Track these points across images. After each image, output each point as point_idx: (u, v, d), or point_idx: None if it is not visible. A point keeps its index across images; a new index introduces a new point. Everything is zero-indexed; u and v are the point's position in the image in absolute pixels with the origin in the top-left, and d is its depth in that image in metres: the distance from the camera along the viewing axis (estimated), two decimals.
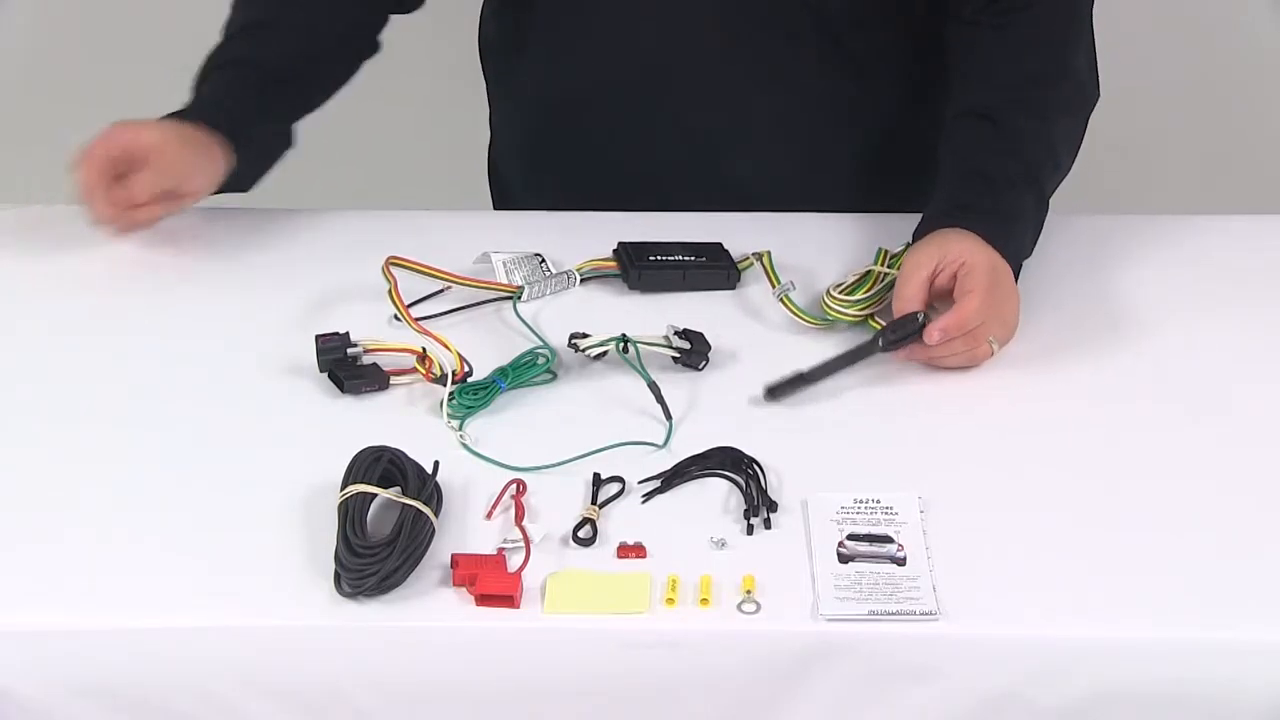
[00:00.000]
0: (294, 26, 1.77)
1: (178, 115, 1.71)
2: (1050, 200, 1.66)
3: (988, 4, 1.68)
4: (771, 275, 1.62)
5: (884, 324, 1.54)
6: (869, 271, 1.59)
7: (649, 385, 1.48)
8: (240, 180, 1.72)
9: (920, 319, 1.51)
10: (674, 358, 1.53)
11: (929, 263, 1.53)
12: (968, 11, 1.70)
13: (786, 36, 1.72)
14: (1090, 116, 1.71)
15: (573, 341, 1.52)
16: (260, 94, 1.74)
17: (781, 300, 1.59)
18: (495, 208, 1.97)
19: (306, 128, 3.26)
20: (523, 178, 1.92)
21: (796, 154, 1.78)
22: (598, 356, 1.52)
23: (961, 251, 1.53)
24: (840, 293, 1.58)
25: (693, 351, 1.53)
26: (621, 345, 1.51)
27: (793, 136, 1.78)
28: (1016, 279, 1.58)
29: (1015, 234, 1.60)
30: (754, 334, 1.59)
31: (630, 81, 1.76)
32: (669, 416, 1.46)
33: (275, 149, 1.77)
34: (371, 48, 1.85)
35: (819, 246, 1.70)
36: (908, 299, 1.53)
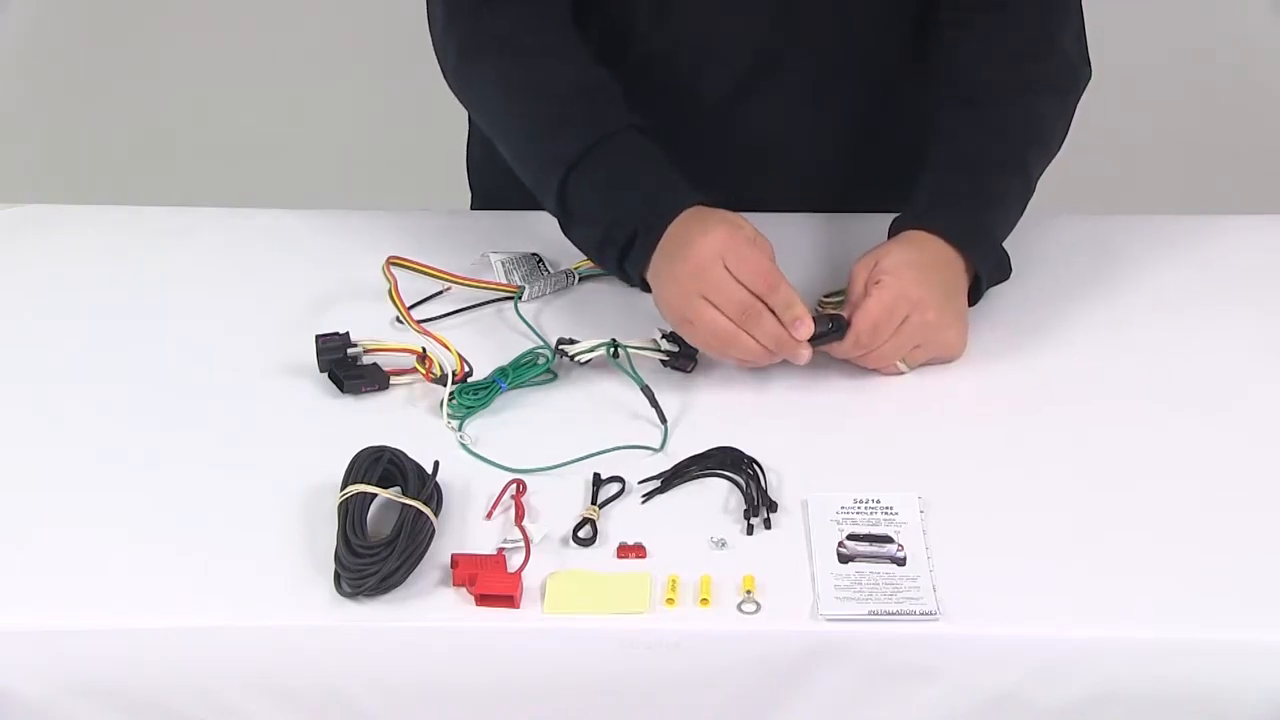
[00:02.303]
0: (585, 73, 1.64)
1: (672, 198, 1.55)
2: (1039, 179, 1.65)
3: None
4: None
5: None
6: None
7: (642, 389, 1.48)
8: None
9: (838, 324, 1.50)
10: (662, 361, 1.53)
11: (863, 273, 1.54)
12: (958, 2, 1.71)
13: (785, 39, 1.72)
14: (1081, 95, 1.70)
15: (560, 347, 1.52)
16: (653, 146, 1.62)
17: None
18: (475, 197, 1.96)
19: (306, 128, 3.27)
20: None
21: (791, 158, 1.78)
22: (586, 362, 1.52)
23: (883, 272, 1.52)
24: (827, 297, 1.59)
25: (680, 354, 1.53)
26: (611, 350, 1.51)
27: (789, 140, 1.77)
28: (1006, 257, 1.59)
29: (989, 220, 1.60)
30: None
31: (630, 71, 1.75)
32: (664, 420, 1.46)
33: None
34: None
35: (817, 246, 1.70)
36: (852, 304, 1.53)
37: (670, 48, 1.72)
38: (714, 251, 1.48)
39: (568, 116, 1.61)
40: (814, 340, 1.49)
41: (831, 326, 1.50)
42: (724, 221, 1.51)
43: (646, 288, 1.56)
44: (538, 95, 1.64)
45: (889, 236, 1.59)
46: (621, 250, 1.55)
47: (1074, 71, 1.70)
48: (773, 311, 1.48)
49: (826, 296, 1.60)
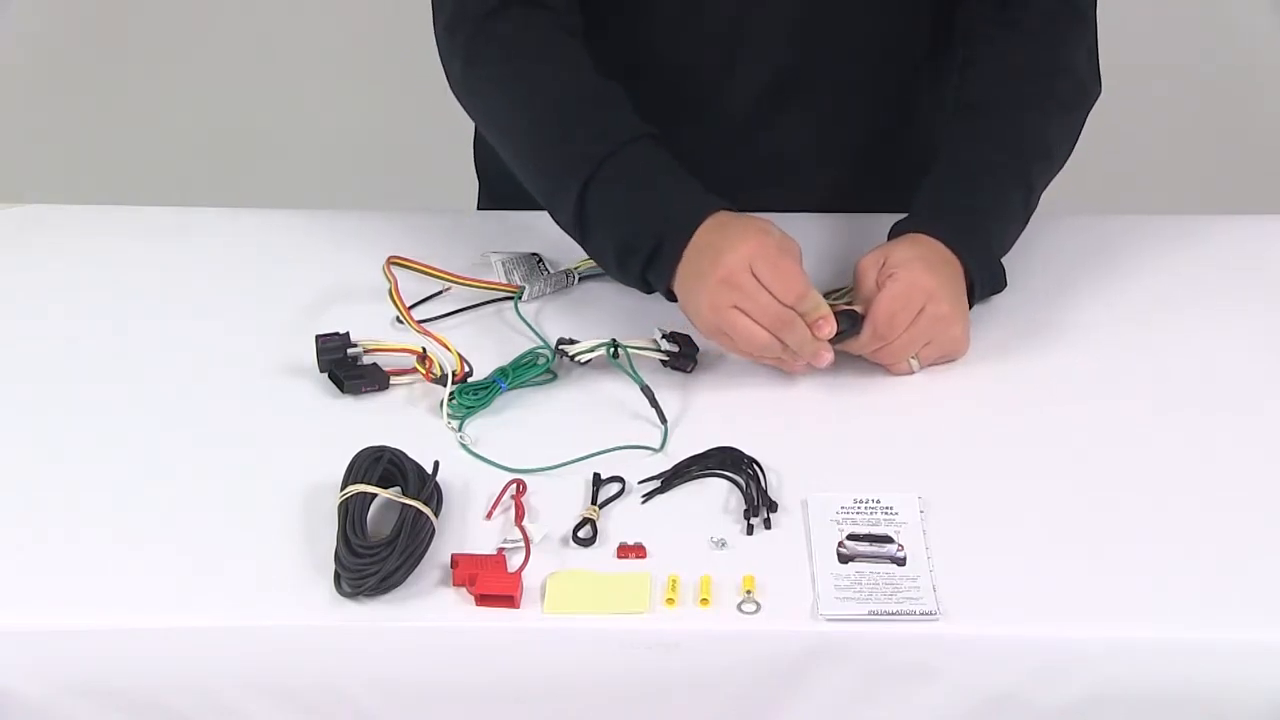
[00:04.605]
0: (600, 85, 1.63)
1: (695, 205, 1.53)
2: (1042, 193, 1.65)
3: (993, 8, 1.69)
4: None
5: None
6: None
7: (642, 389, 1.48)
8: None
9: (851, 320, 1.50)
10: (662, 361, 1.53)
11: (874, 267, 1.54)
12: (974, 9, 1.70)
13: (797, 48, 1.72)
14: (1090, 112, 1.70)
15: (560, 346, 1.52)
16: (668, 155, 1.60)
17: None
18: (480, 194, 1.96)
19: (307, 127, 3.27)
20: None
21: (795, 166, 1.78)
22: (586, 362, 1.52)
23: (894, 265, 1.52)
24: (828, 295, 1.59)
25: (680, 354, 1.53)
26: (612, 350, 1.51)
27: (794, 146, 1.77)
28: (1002, 272, 1.59)
29: (988, 231, 1.60)
30: None
31: (633, 83, 1.76)
32: (664, 420, 1.46)
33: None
34: None
35: (818, 247, 1.70)
36: (864, 300, 1.53)
37: (689, 63, 1.72)
38: (743, 261, 1.47)
39: (582, 124, 1.60)
40: (832, 339, 1.49)
41: (848, 323, 1.50)
42: (753, 229, 1.50)
43: (671, 297, 1.54)
44: (548, 104, 1.62)
45: (893, 231, 1.59)
46: (646, 260, 1.53)
47: (1084, 89, 1.70)
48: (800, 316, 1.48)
49: (827, 294, 1.60)
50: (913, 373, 1.53)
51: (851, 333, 1.51)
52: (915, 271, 1.52)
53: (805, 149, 1.77)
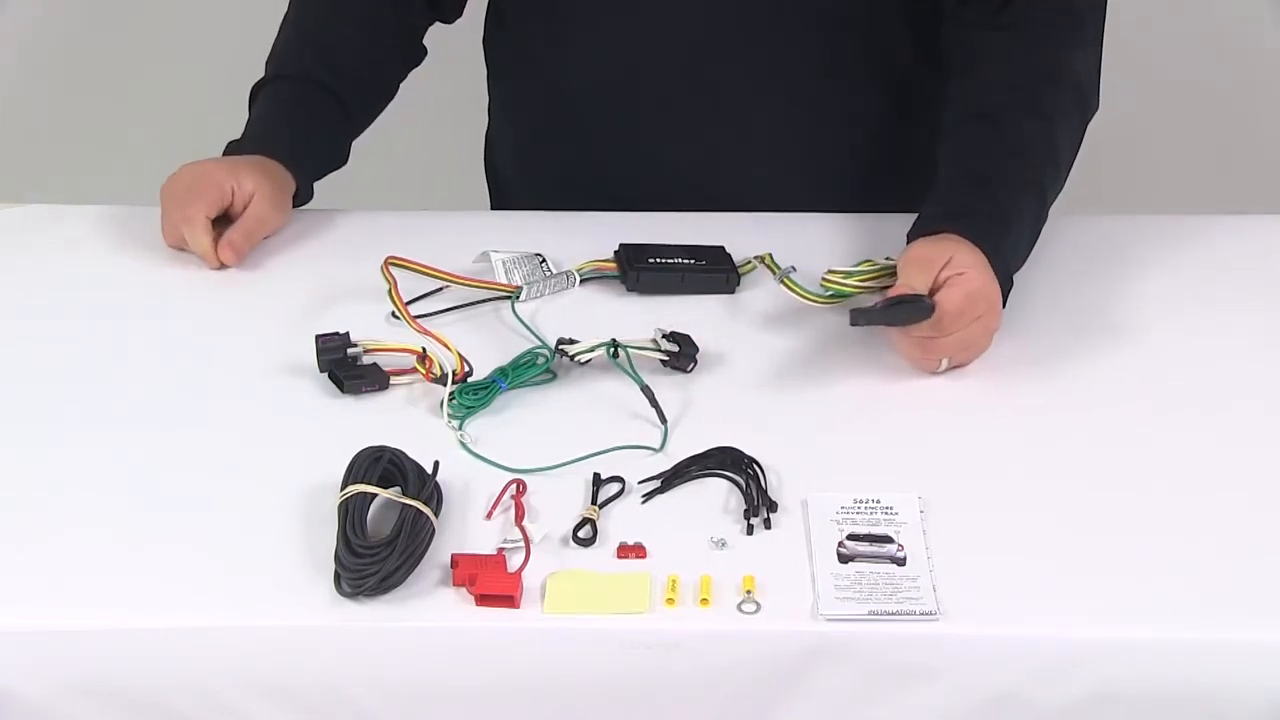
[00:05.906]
0: (349, 38, 1.81)
1: (248, 141, 1.76)
2: (1050, 208, 1.65)
3: (989, 8, 1.68)
4: (773, 267, 1.61)
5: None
6: (868, 259, 1.59)
7: (642, 389, 1.48)
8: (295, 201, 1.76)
9: (927, 309, 1.50)
10: (662, 361, 1.53)
11: (939, 259, 1.52)
12: (969, 15, 1.70)
13: (783, 39, 1.72)
14: (1088, 126, 1.70)
15: (560, 346, 1.52)
16: (323, 116, 1.79)
17: (783, 282, 1.57)
18: (491, 195, 1.97)
19: None
20: (520, 176, 1.92)
21: (793, 155, 1.78)
22: (586, 362, 1.52)
23: (965, 265, 1.52)
24: (833, 273, 1.58)
25: (680, 354, 1.52)
26: (612, 350, 1.51)
27: (790, 138, 1.78)
28: (1009, 288, 1.58)
29: (1011, 238, 1.59)
30: (748, 337, 1.59)
31: (627, 84, 1.76)
32: (664, 420, 1.46)
33: (329, 169, 1.81)
34: (416, 56, 1.88)
35: (819, 246, 1.70)
36: (904, 289, 1.52)
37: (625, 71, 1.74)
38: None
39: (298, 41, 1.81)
40: (902, 318, 1.48)
41: (926, 310, 1.49)
42: (239, 166, 1.70)
43: None
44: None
45: (918, 231, 1.58)
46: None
47: (1084, 97, 1.69)
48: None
49: (832, 271, 1.59)
50: (939, 371, 1.52)
51: (922, 315, 1.49)
52: (985, 278, 1.52)
53: (796, 138, 1.77)
